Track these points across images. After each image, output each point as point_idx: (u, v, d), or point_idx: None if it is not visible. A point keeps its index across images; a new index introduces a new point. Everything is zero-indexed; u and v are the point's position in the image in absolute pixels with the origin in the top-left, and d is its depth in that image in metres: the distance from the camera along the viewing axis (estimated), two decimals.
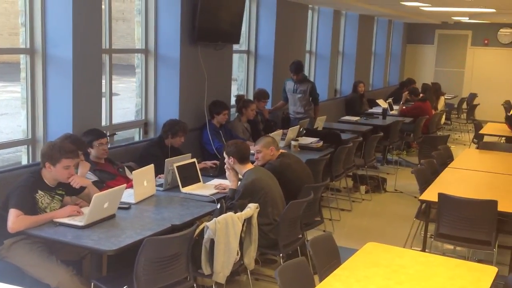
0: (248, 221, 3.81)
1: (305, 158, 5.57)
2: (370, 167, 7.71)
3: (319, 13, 10.07)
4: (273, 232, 4.14)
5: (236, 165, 4.29)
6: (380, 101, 10.35)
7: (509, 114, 8.63)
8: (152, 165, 4.28)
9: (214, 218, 3.56)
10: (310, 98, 7.81)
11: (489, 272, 3.15)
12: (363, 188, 7.31)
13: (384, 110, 9.46)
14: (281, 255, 4.14)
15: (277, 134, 6.18)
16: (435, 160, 5.95)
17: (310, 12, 9.69)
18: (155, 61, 5.94)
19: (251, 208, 3.82)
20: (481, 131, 8.38)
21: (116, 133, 5.53)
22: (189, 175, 4.51)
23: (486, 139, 8.11)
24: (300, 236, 4.43)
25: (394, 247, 3.55)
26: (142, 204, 4.05)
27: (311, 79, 9.41)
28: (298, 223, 4.35)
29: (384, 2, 8.84)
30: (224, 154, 4.36)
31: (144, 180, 4.14)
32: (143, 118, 6.02)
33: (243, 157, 4.30)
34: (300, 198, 4.40)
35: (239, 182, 4.26)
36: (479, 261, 5.04)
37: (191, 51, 6.03)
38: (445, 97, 12.37)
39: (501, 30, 14.06)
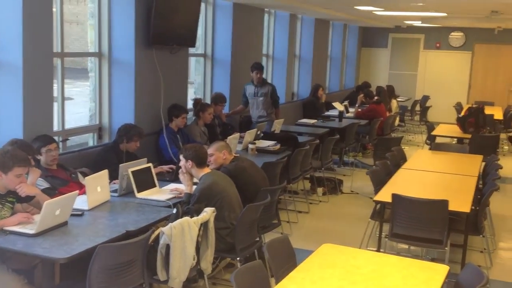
0: (204, 225, 3.79)
1: (262, 161, 5.59)
2: (327, 169, 7.81)
3: (275, 16, 10.14)
4: (230, 236, 4.13)
5: (193, 168, 4.27)
6: (337, 104, 10.49)
7: (460, 116, 8.87)
8: (106, 171, 4.21)
9: (170, 223, 3.53)
10: (271, 101, 7.93)
11: (441, 270, 3.23)
12: (320, 190, 7.39)
13: (340, 112, 9.59)
14: (238, 258, 4.13)
15: (234, 137, 6.19)
16: (389, 161, 6.07)
17: (266, 15, 9.75)
18: (109, 64, 5.85)
19: (208, 213, 3.81)
20: (433, 132, 8.59)
21: (69, 138, 5.42)
22: (144, 180, 4.46)
23: (438, 140, 8.32)
24: (258, 239, 4.44)
25: (349, 248, 3.60)
26: (96, 211, 3.98)
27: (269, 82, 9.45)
28: (255, 226, 4.36)
29: (339, 6, 8.96)
30: (181, 157, 4.33)
31: (97, 186, 4.07)
32: (97, 122, 5.92)
33: (201, 161, 4.29)
34: (257, 201, 4.41)
35: (195, 186, 4.24)
36: (433, 259, 5.18)
37: (146, 54, 5.97)
38: (399, 99, 12.65)
39: (452, 33, 14.47)
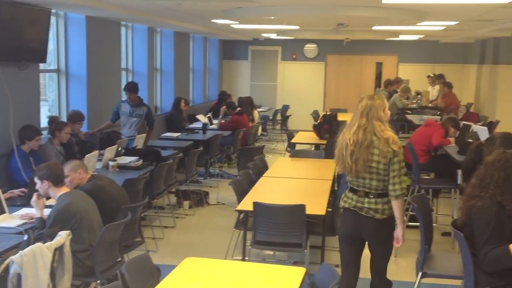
0: (60, 250, 3.60)
1: (123, 178, 5.46)
2: (192, 181, 7.81)
3: (133, 30, 9.97)
4: (89, 258, 3.96)
5: (50, 189, 4.05)
6: (200, 116, 10.57)
7: (316, 123, 9.32)
8: None
9: (20, 251, 3.30)
10: (145, 122, 7.98)
11: (298, 273, 3.35)
12: (186, 203, 7.37)
13: (204, 124, 9.67)
14: (98, 281, 3.97)
15: (93, 155, 5.95)
16: (251, 170, 6.21)
17: (123, 29, 9.56)
18: None
19: (63, 236, 3.62)
20: (292, 140, 8.93)
21: None
22: None
23: (298, 147, 8.68)
24: (120, 259, 4.30)
25: (213, 259, 3.61)
26: None
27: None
28: (116, 246, 4.22)
29: (196, 19, 9.04)
30: (36, 180, 4.08)
31: None
32: None
33: (57, 180, 4.08)
34: (118, 220, 4.27)
35: (53, 207, 4.01)
36: (295, 263, 5.37)
37: None
38: (261, 109, 13.06)
39: (306, 45, 15.26)
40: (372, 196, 3.72)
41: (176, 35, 11.46)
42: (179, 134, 9.26)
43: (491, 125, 8.66)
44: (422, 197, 4.11)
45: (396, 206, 3.69)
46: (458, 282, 3.87)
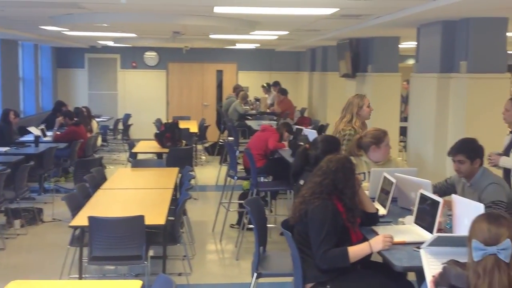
0: None
1: None
2: (24, 199, 7.27)
3: None
4: None
5: None
6: (32, 128, 9.88)
7: (158, 132, 9.23)
8: None
9: None
10: None
11: (135, 286, 3.26)
12: (17, 222, 6.84)
13: (37, 137, 9.06)
14: None
15: None
16: (88, 183, 5.94)
17: None
18: None
19: None
20: (134, 150, 8.74)
21: None
22: None
23: (141, 156, 8.50)
24: None
25: (43, 280, 3.41)
26: None
27: None
28: None
29: (23, 26, 8.47)
30: None
31: None
32: None
33: None
34: None
35: None
36: (137, 275, 5.25)
37: None
38: (101, 119, 12.61)
39: (146, 53, 15.07)
40: None
41: (2, 42, 10.63)
42: (8, 148, 8.57)
43: (321, 128, 9.27)
44: (255, 200, 4.24)
45: None
46: (291, 278, 4.06)
